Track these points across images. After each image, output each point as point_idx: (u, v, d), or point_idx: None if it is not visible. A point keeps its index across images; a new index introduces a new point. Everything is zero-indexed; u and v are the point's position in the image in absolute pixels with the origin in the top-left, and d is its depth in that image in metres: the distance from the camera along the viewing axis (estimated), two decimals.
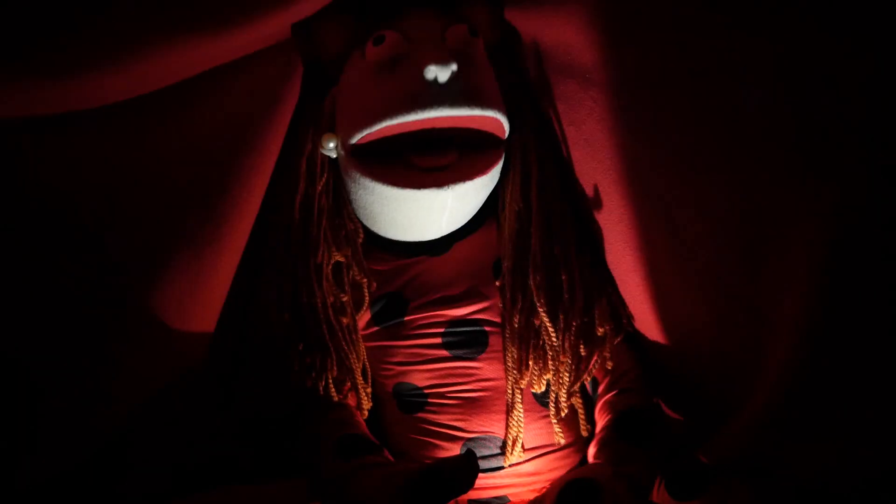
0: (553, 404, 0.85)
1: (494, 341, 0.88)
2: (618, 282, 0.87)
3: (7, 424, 0.66)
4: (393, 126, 0.78)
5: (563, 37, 0.81)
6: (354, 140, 0.82)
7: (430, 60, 0.76)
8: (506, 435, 0.86)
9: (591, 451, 0.82)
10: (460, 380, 0.87)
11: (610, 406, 0.84)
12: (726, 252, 0.67)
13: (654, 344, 0.86)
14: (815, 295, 0.59)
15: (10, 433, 0.66)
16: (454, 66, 0.77)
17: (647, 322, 0.86)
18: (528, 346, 0.85)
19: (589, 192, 0.88)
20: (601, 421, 0.84)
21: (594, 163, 0.83)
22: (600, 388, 0.87)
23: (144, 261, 0.72)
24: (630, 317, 0.87)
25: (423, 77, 0.77)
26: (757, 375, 0.67)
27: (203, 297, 0.78)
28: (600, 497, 0.68)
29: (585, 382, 0.87)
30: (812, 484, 0.67)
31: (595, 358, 0.85)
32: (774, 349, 0.64)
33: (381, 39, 0.81)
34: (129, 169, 0.70)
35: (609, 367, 0.87)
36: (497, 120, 0.83)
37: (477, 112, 0.80)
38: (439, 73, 0.76)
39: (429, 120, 0.78)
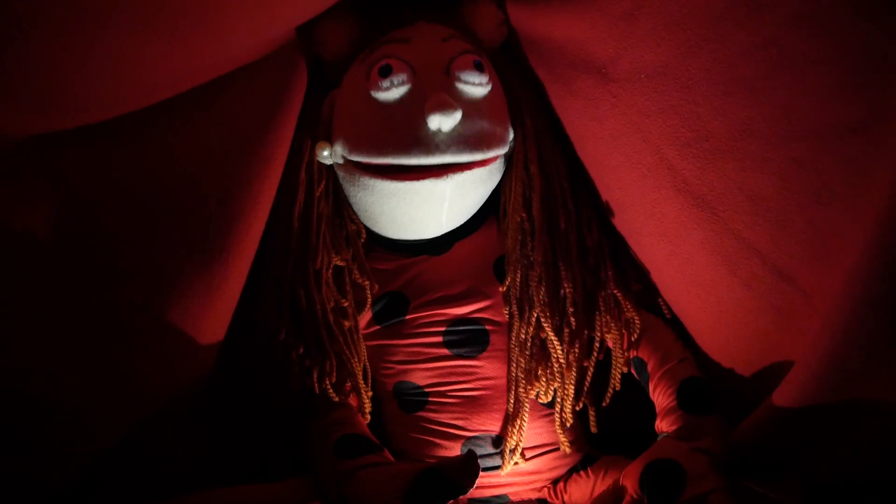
0: (558, 415, 0.85)
1: (495, 340, 0.88)
2: (654, 275, 0.86)
3: (15, 436, 0.65)
4: (392, 163, 0.80)
5: (573, 33, 0.81)
6: (354, 159, 0.83)
7: (435, 109, 0.77)
8: (505, 443, 0.85)
9: (660, 424, 0.81)
10: (461, 378, 0.87)
11: (669, 378, 0.82)
12: (785, 237, 0.64)
13: (694, 332, 0.83)
14: (858, 291, 0.56)
15: (18, 444, 0.66)
16: (458, 115, 0.78)
17: (683, 311, 0.83)
18: (536, 358, 0.85)
19: (612, 188, 0.86)
20: (662, 394, 0.82)
21: (620, 157, 0.81)
22: (650, 366, 0.85)
23: (155, 273, 0.71)
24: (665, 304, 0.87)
25: (426, 124, 0.78)
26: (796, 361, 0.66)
27: (213, 309, 0.77)
28: (685, 478, 0.68)
29: (616, 387, 0.87)
30: (827, 480, 0.66)
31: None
32: (816, 334, 0.63)
33: (387, 71, 0.82)
34: (136, 179, 0.70)
35: (651, 347, 0.85)
36: (499, 154, 0.85)
37: (478, 157, 0.82)
38: (443, 123, 0.78)
39: (429, 164, 0.80)
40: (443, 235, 0.90)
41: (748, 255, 0.68)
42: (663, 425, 0.80)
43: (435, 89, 0.79)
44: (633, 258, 0.89)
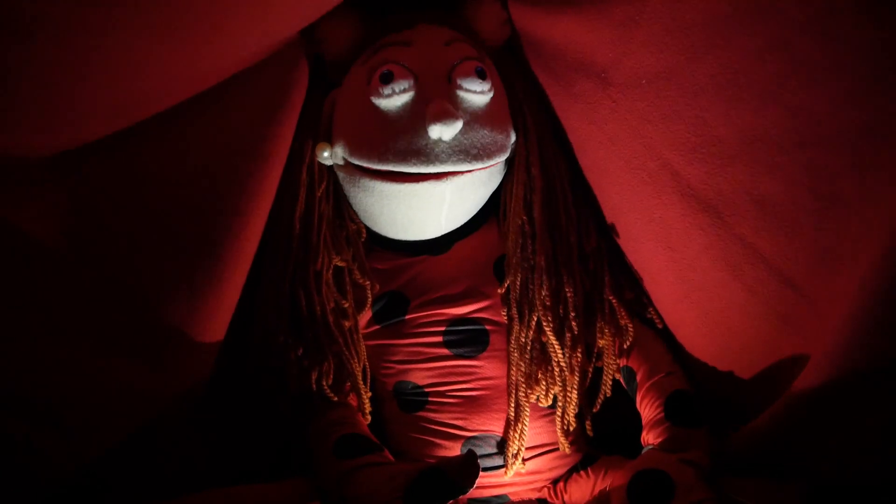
0: (560, 419, 0.85)
1: (495, 340, 0.87)
2: (647, 282, 0.86)
3: (16, 437, 0.65)
4: (392, 170, 0.80)
5: (574, 36, 0.80)
6: (355, 162, 0.83)
7: (436, 119, 0.76)
8: (505, 440, 0.85)
9: (647, 436, 0.81)
10: (461, 378, 0.86)
11: (657, 390, 0.82)
12: (791, 243, 0.64)
13: (690, 342, 0.83)
14: (868, 299, 0.56)
15: (20, 445, 0.65)
16: (458, 125, 0.78)
17: (682, 320, 0.83)
18: (537, 361, 0.85)
19: (610, 193, 0.86)
20: (649, 406, 0.82)
21: (620, 161, 0.80)
22: (639, 376, 0.85)
23: (155, 278, 0.71)
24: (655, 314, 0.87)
25: (427, 133, 0.77)
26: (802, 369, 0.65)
27: (212, 312, 0.76)
28: (673, 489, 0.67)
29: (607, 393, 0.87)
30: (832, 481, 0.66)
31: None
32: (821, 342, 0.62)
33: (388, 78, 0.81)
34: (138, 179, 0.70)
35: (641, 358, 0.86)
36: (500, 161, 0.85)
37: (478, 166, 0.81)
38: (444, 133, 0.78)
39: (429, 172, 0.80)
40: (443, 235, 0.89)
41: (753, 260, 0.68)
42: (649, 437, 0.80)
43: (436, 98, 0.79)
44: (625, 266, 0.89)
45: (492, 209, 0.93)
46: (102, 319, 0.67)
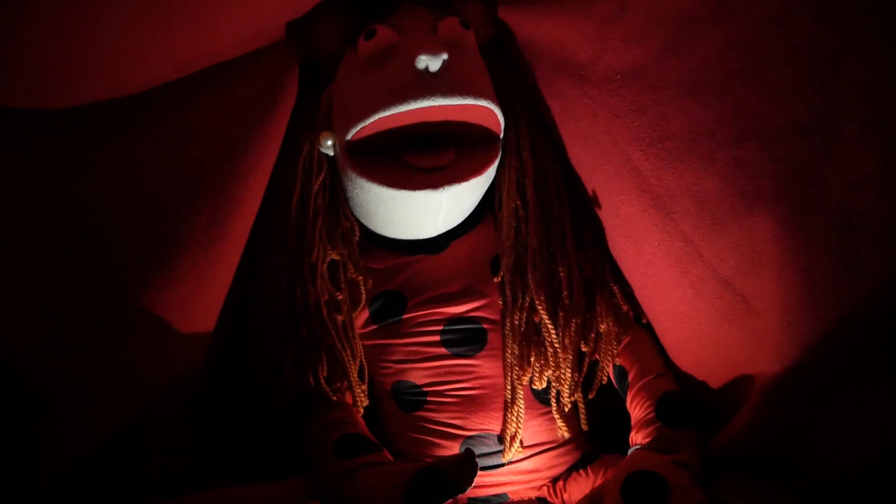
0: (555, 400, 0.84)
1: (493, 339, 0.87)
2: (626, 276, 0.85)
3: (8, 427, 0.66)
4: (386, 118, 0.78)
5: (556, 34, 0.80)
6: (350, 136, 0.81)
7: (421, 50, 0.75)
8: (503, 431, 0.84)
9: (636, 436, 0.80)
10: (459, 377, 0.86)
11: (648, 391, 0.81)
12: (722, 242, 0.64)
13: (663, 339, 0.83)
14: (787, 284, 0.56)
15: (11, 436, 0.66)
16: (445, 56, 0.76)
17: (652, 315, 0.83)
18: (529, 342, 0.84)
19: (588, 187, 0.86)
20: (639, 406, 0.81)
21: (592, 159, 0.81)
22: (630, 376, 0.84)
23: (146, 263, 0.71)
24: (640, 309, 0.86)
25: (414, 67, 0.76)
26: (760, 366, 0.65)
27: (203, 298, 0.78)
28: (668, 490, 0.67)
29: (602, 380, 0.86)
30: (821, 479, 0.66)
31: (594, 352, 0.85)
32: (767, 340, 0.62)
33: (372, 34, 0.82)
34: (128, 169, 0.70)
35: (633, 358, 0.85)
36: (491, 111, 0.82)
37: (470, 101, 0.78)
38: (430, 63, 0.76)
39: (422, 110, 0.77)
40: (439, 234, 0.90)
41: (694, 258, 0.68)
42: (638, 437, 0.79)
43: (421, 36, 0.79)
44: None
45: (487, 207, 0.94)
46: (91, 304, 0.67)
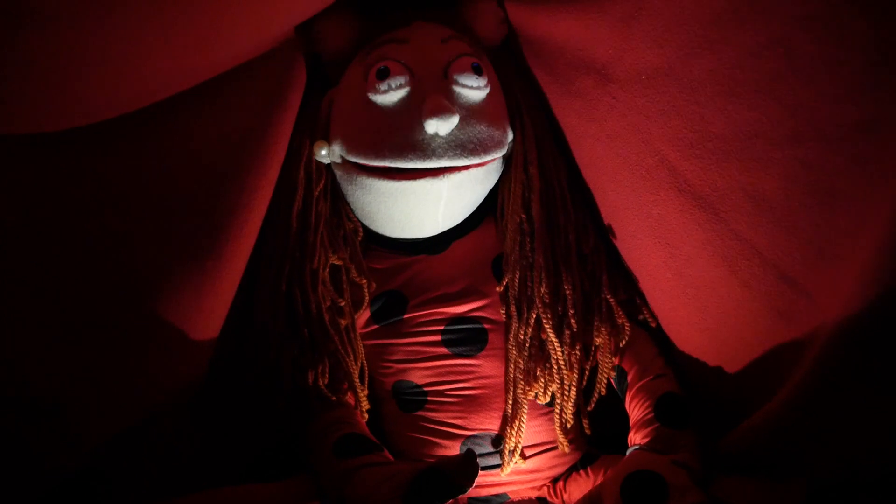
0: (558, 416, 0.85)
1: (494, 339, 0.87)
2: (643, 280, 0.85)
3: (13, 435, 0.65)
4: (389, 166, 0.80)
5: (574, 33, 0.80)
6: (352, 160, 0.83)
7: (431, 114, 0.77)
8: (503, 439, 0.84)
9: (634, 436, 0.81)
10: (460, 377, 0.86)
11: (647, 391, 0.82)
12: (788, 238, 0.64)
13: (685, 340, 0.83)
14: (866, 293, 0.55)
15: (18, 439, 0.66)
16: (455, 120, 0.78)
17: (678, 318, 0.83)
18: (535, 358, 0.84)
19: (607, 190, 0.85)
20: (638, 406, 0.82)
21: (618, 159, 0.81)
22: (630, 376, 0.85)
23: (152, 268, 0.71)
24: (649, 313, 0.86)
25: (423, 128, 0.78)
26: (802, 365, 0.64)
27: (209, 304, 0.77)
28: (667, 491, 0.67)
29: (601, 391, 0.87)
30: (830, 480, 0.66)
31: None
32: (821, 336, 0.61)
33: (385, 74, 0.82)
34: (135, 176, 0.70)
35: (633, 359, 0.86)
36: (496, 157, 0.85)
37: (475, 161, 0.81)
38: (440, 128, 0.78)
39: (425, 168, 0.80)
40: (440, 234, 0.89)
41: (749, 255, 0.68)
42: (636, 437, 0.80)
43: (432, 93, 0.79)
44: (620, 268, 0.89)
45: (489, 208, 0.93)
46: (98, 312, 0.67)
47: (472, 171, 0.82)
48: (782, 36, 0.59)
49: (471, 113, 0.82)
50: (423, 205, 0.84)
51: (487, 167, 0.85)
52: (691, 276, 0.76)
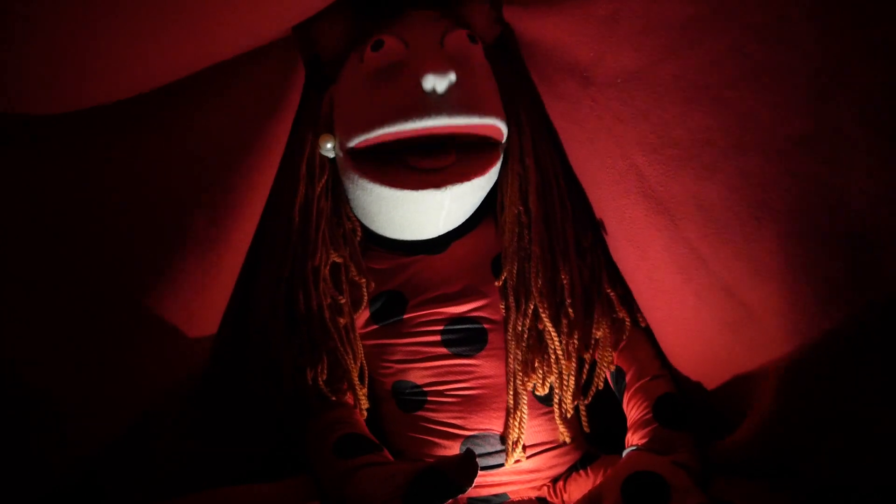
0: (557, 406, 0.85)
1: (493, 339, 0.87)
2: (627, 280, 0.85)
3: (15, 428, 0.65)
4: (390, 134, 0.78)
5: (559, 35, 0.80)
6: (352, 144, 0.82)
7: (428, 69, 0.76)
8: (505, 433, 0.84)
9: (632, 437, 0.81)
10: (459, 377, 0.86)
11: (645, 392, 0.82)
12: (727, 251, 0.64)
13: (663, 343, 0.83)
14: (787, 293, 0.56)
15: (18, 437, 0.66)
16: (452, 76, 0.77)
17: (653, 319, 0.83)
18: (533, 349, 0.84)
19: (592, 190, 0.85)
20: (636, 407, 0.82)
21: (596, 161, 0.81)
22: (628, 377, 0.85)
23: (150, 264, 0.71)
24: (639, 312, 0.86)
25: (420, 86, 0.76)
26: (762, 374, 0.64)
27: (207, 300, 0.77)
28: (669, 492, 0.67)
29: (599, 385, 0.87)
30: (828, 482, 0.66)
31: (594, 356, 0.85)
32: (772, 349, 0.63)
33: (379, 45, 0.81)
34: (133, 172, 0.70)
35: (630, 359, 0.86)
36: (496, 126, 0.83)
37: (475, 121, 0.80)
38: (437, 83, 0.76)
39: (426, 128, 0.77)
40: (440, 235, 0.90)
41: (698, 265, 0.68)
42: (634, 438, 0.80)
43: (429, 54, 0.78)
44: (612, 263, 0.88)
45: (488, 208, 0.94)
46: (95, 308, 0.67)
47: (473, 181, 0.82)
48: (741, 44, 0.58)
49: (467, 74, 0.80)
50: (425, 213, 0.84)
51: (489, 174, 0.84)
52: (659, 281, 0.77)
